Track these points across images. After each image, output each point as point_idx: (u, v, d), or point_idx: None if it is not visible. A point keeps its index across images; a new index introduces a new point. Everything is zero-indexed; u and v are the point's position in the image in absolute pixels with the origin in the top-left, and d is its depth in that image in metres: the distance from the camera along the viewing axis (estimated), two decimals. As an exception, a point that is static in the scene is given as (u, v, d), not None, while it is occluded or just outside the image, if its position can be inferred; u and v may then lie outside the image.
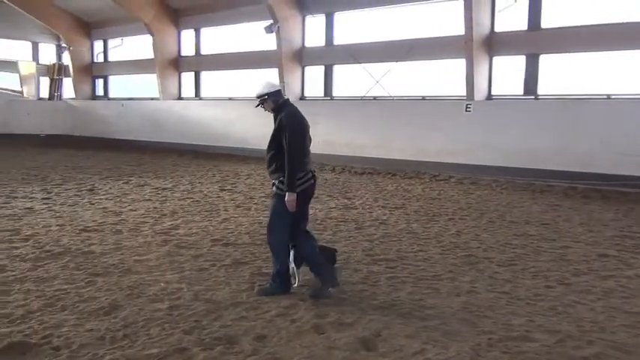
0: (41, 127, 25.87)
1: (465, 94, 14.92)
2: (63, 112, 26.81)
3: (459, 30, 14.60)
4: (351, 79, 18.10)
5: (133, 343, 4.06)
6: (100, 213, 8.94)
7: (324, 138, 16.72)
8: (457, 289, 5.50)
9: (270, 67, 18.89)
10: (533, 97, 14.33)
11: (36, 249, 6.59)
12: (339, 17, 18.23)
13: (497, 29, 14.77)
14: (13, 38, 26.33)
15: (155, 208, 9.57)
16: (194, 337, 4.19)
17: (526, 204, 10.81)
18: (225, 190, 11.89)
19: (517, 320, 4.65)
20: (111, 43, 26.32)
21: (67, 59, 26.80)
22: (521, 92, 14.57)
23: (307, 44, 18.86)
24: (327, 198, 11.01)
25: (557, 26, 13.92)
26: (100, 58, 26.92)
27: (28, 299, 4.90)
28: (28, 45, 27.10)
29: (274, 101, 5.29)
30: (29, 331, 4.21)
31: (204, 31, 22.38)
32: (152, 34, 22.04)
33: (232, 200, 10.58)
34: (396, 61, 16.31)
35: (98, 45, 26.82)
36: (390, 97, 16.79)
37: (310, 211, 9.13)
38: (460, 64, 14.92)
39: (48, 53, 27.63)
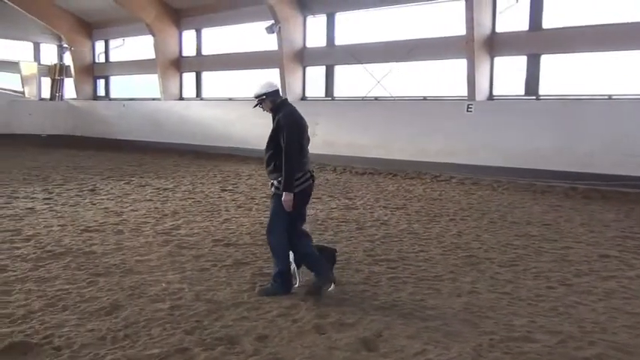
0: (43, 127, 25.89)
1: (466, 94, 14.91)
2: (64, 112, 26.83)
3: (460, 30, 14.60)
4: (352, 80, 18.10)
5: (134, 344, 4.06)
6: (102, 213, 8.94)
7: (325, 138, 16.78)
8: (458, 289, 5.49)
9: (272, 68, 18.89)
10: (534, 97, 14.32)
11: (37, 249, 6.59)
12: (340, 17, 18.23)
13: (498, 29, 14.76)
14: (15, 39, 26.35)
15: (156, 208, 9.58)
16: (195, 337, 4.19)
17: (527, 204, 10.80)
18: (226, 190, 11.89)
19: (518, 321, 4.65)
20: (112, 43, 26.34)
21: (68, 59, 26.83)
22: (523, 92, 14.56)
23: (308, 44, 18.86)
24: (328, 198, 11.01)
25: (558, 26, 13.90)
26: (102, 59, 26.94)
27: (29, 299, 4.90)
28: (30, 45, 27.13)
29: (272, 101, 5.31)
30: (30, 331, 4.21)
31: (206, 32, 22.39)
32: (153, 35, 22.05)
33: (233, 200, 10.58)
34: (397, 62, 16.30)
35: (99, 45, 26.84)
36: (391, 97, 16.79)
37: (311, 212, 9.21)
38: (461, 64, 14.92)
39: (49, 54, 27.65)
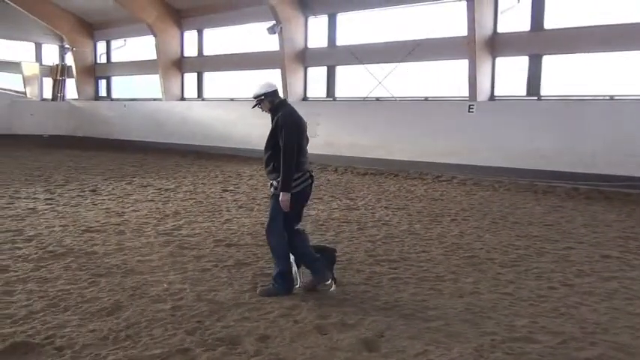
0: (44, 127, 25.93)
1: (467, 94, 14.92)
2: (66, 112, 26.87)
3: (462, 31, 14.61)
4: (353, 80, 18.10)
5: (135, 344, 4.06)
6: (103, 213, 8.95)
7: (327, 139, 16.79)
8: (460, 290, 5.49)
9: (273, 68, 18.90)
10: (536, 98, 14.32)
11: (39, 249, 6.59)
12: (342, 18, 18.24)
13: (500, 30, 14.77)
14: (17, 39, 26.39)
15: (158, 208, 9.58)
16: (197, 337, 4.20)
17: (529, 205, 10.79)
18: (227, 190, 11.89)
19: (520, 321, 4.64)
20: (114, 43, 26.39)
21: (70, 60, 26.86)
22: (524, 93, 14.56)
23: (310, 45, 18.87)
24: (329, 199, 11.01)
25: (560, 27, 13.90)
26: (103, 59, 26.98)
27: (31, 299, 4.90)
28: (32, 46, 27.17)
29: (271, 101, 5.32)
30: (32, 332, 4.22)
31: (207, 32, 22.42)
32: (155, 35, 22.08)
33: (235, 201, 10.59)
34: (399, 62, 16.30)
35: (101, 46, 26.88)
36: (393, 97, 16.79)
37: (313, 212, 9.23)
38: (463, 64, 14.93)
39: (51, 54, 27.70)
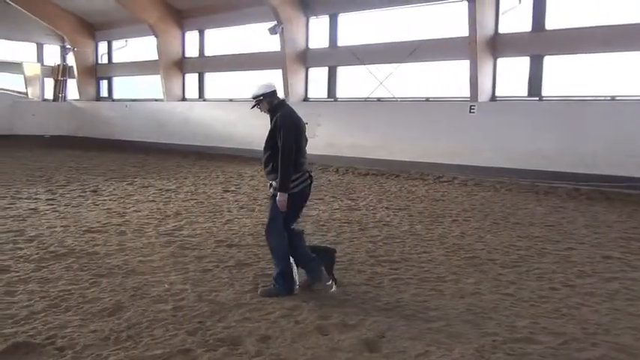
0: (46, 128, 25.97)
1: (469, 95, 14.91)
2: (67, 113, 26.91)
3: (463, 31, 14.61)
4: (354, 81, 18.11)
5: (136, 344, 4.06)
6: (104, 214, 8.95)
7: (328, 139, 16.80)
8: (461, 290, 5.49)
9: (274, 69, 18.91)
10: (537, 98, 14.32)
11: (40, 250, 6.60)
12: (343, 18, 18.26)
13: (501, 30, 14.77)
14: (18, 40, 26.44)
15: (159, 209, 9.59)
16: (198, 338, 4.20)
17: (530, 205, 10.78)
18: (228, 191, 11.90)
19: (521, 322, 4.64)
20: (115, 44, 26.43)
21: (71, 60, 26.90)
22: (526, 94, 14.56)
23: (311, 45, 18.89)
24: (330, 199, 11.01)
25: (561, 28, 13.89)
26: (105, 60, 27.02)
27: (32, 300, 4.91)
28: (33, 46, 27.22)
29: (270, 102, 5.32)
30: (33, 332, 4.22)
31: (208, 33, 22.44)
32: (156, 36, 22.10)
33: (236, 201, 10.59)
34: (400, 63, 16.30)
35: (102, 46, 26.93)
36: (394, 98, 16.79)
37: (314, 213, 9.23)
38: (464, 65, 14.92)
39: (52, 54, 27.74)
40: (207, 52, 22.52)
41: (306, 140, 5.38)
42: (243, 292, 5.25)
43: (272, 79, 18.22)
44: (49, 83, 27.30)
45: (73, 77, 26.98)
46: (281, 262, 5.26)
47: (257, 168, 15.85)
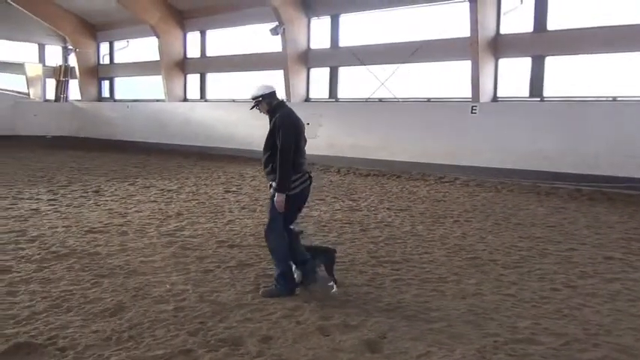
0: (47, 128, 26.01)
1: (470, 96, 14.90)
2: (69, 113, 26.95)
3: (465, 32, 14.60)
4: (356, 81, 18.11)
5: (138, 345, 4.07)
6: (106, 214, 8.96)
7: (329, 140, 16.81)
8: (462, 291, 5.49)
9: (276, 69, 18.91)
10: (538, 99, 14.31)
11: (42, 250, 6.61)
12: (345, 19, 18.26)
13: (502, 31, 14.76)
14: (20, 40, 26.50)
15: (160, 209, 9.59)
16: (199, 338, 4.20)
17: (532, 206, 10.77)
18: (230, 191, 11.90)
19: (523, 323, 4.64)
20: (117, 45, 26.46)
21: (73, 61, 26.95)
22: (527, 94, 14.55)
23: (312, 46, 18.89)
24: (332, 200, 11.00)
25: (562, 28, 13.89)
26: (106, 60, 27.05)
27: (33, 300, 4.92)
28: (35, 47, 27.26)
29: (269, 103, 5.33)
30: (35, 332, 4.23)
31: (210, 33, 22.46)
32: (158, 36, 22.12)
33: (237, 202, 10.59)
34: (401, 63, 16.30)
35: (104, 47, 26.96)
36: (395, 98, 16.79)
37: (315, 213, 9.23)
38: (466, 65, 14.90)
39: (54, 55, 27.80)
40: (209, 53, 22.54)
41: (305, 141, 5.38)
42: (244, 293, 5.25)
43: (273, 79, 18.34)
44: (51, 84, 27.34)
45: (75, 78, 27.03)
46: (281, 262, 5.27)
47: (258, 168, 15.84)
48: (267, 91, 5.32)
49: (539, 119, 13.74)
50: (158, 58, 22.60)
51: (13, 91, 26.53)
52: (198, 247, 7.03)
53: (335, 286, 5.34)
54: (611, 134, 12.64)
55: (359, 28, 17.96)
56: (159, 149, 21.60)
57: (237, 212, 9.52)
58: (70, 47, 26.68)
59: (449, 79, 16.04)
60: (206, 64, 22.57)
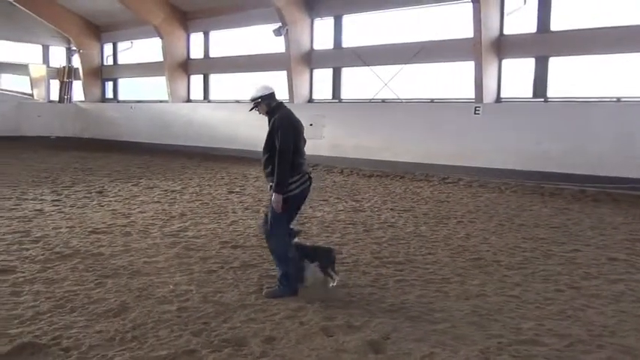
0: (51, 129, 26.10)
1: (473, 96, 14.89)
2: (73, 114, 27.02)
3: (468, 32, 14.58)
4: (359, 82, 18.11)
5: (141, 345, 4.07)
6: (110, 215, 8.98)
7: (332, 140, 16.81)
8: (466, 292, 5.48)
9: (279, 70, 18.92)
10: (542, 99, 14.29)
11: (46, 250, 6.62)
12: (348, 20, 18.27)
13: (506, 32, 14.75)
14: (24, 41, 26.57)
15: (164, 210, 9.60)
16: (203, 338, 4.20)
17: (535, 207, 10.75)
18: (233, 192, 11.91)
19: (526, 324, 4.63)
20: (120, 46, 26.51)
21: (77, 62, 27.04)
22: (531, 95, 14.53)
23: (316, 47, 18.90)
24: (335, 200, 11.00)
25: (566, 29, 13.87)
26: (110, 61, 27.11)
27: (37, 300, 4.93)
28: (39, 48, 27.33)
29: (268, 104, 5.34)
30: (39, 332, 4.23)
31: (213, 34, 22.49)
32: (161, 37, 22.17)
33: (241, 202, 10.60)
34: (405, 64, 16.29)
35: (108, 48, 27.02)
36: (399, 99, 16.78)
37: (319, 214, 9.23)
38: (469, 66, 14.90)
39: (58, 56, 27.88)
40: (212, 54, 22.57)
41: (305, 141, 5.39)
42: (247, 293, 5.26)
43: (277, 80, 18.30)
44: (55, 85, 27.41)
45: (79, 79, 27.09)
46: (282, 263, 5.27)
47: (261, 169, 15.85)
48: (266, 92, 5.33)
49: (542, 120, 13.72)
50: (162, 59, 22.65)
51: (17, 92, 26.62)
52: (202, 247, 7.04)
53: (334, 277, 5.40)
54: (615, 135, 12.61)
55: (362, 29, 17.95)
56: (162, 150, 21.64)
57: (240, 213, 9.53)
58: (74, 48, 26.76)
59: (452, 80, 16.02)
60: (209, 65, 22.60)
